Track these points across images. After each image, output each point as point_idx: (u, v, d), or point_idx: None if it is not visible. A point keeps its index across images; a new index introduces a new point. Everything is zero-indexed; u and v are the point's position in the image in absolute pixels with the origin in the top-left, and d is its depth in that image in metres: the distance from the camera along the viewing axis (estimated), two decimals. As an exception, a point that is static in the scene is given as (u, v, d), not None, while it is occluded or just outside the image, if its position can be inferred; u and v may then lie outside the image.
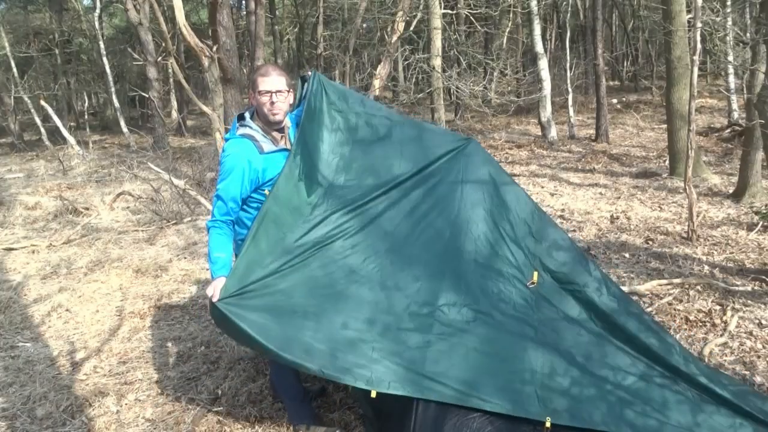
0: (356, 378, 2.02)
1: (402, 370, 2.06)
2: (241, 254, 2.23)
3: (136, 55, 13.86)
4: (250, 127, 2.52)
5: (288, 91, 2.51)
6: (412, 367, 2.07)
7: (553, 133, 11.90)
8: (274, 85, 2.45)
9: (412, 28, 11.72)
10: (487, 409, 2.06)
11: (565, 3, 15.81)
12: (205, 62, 6.07)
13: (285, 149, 2.53)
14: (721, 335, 3.50)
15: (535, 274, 2.45)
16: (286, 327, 2.08)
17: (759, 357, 3.25)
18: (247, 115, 2.58)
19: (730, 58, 10.93)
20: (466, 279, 2.36)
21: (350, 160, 2.54)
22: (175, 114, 20.34)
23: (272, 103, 2.46)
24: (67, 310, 4.60)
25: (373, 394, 2.00)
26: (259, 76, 2.48)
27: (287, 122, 2.60)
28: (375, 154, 2.58)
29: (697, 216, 5.45)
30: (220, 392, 3.19)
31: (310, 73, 2.68)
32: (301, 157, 2.44)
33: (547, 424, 2.03)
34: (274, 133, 2.55)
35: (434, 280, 2.30)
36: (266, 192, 2.41)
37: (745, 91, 9.68)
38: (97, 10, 16.95)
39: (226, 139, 2.55)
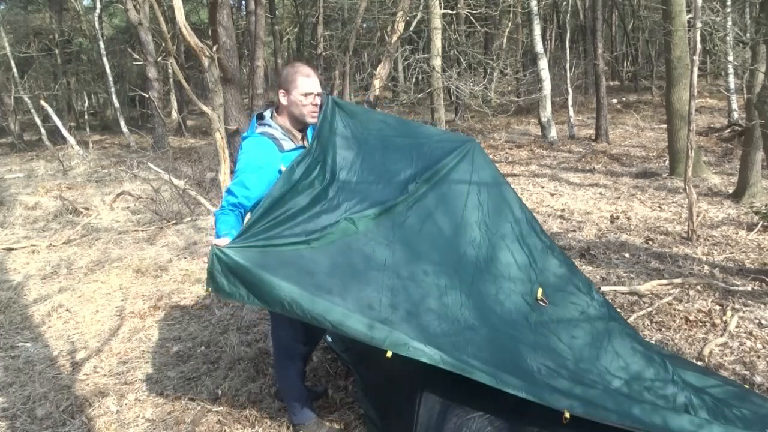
0: (411, 347, 1.99)
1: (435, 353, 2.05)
2: (248, 222, 2.17)
3: (136, 55, 13.86)
4: (270, 126, 2.49)
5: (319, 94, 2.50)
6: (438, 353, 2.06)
7: (553, 133, 11.90)
8: (317, 87, 2.44)
9: (412, 28, 11.73)
10: (521, 395, 2.03)
11: (565, 3, 15.81)
12: (205, 62, 6.06)
13: (304, 147, 2.51)
14: (721, 335, 3.50)
15: (540, 290, 2.46)
16: (313, 296, 2.02)
17: (759, 357, 3.25)
18: (266, 114, 2.55)
19: (730, 58, 10.93)
20: (467, 280, 2.36)
21: (361, 162, 2.55)
22: (175, 114, 20.33)
23: (314, 104, 2.45)
24: (67, 310, 4.60)
25: (389, 354, 1.98)
26: (301, 76, 2.43)
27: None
28: (385, 158, 2.61)
29: (697, 216, 5.45)
30: (220, 392, 3.19)
31: (324, 92, 2.67)
32: (317, 147, 2.44)
33: (566, 414, 2.01)
34: (295, 132, 2.54)
35: (441, 277, 2.30)
36: (282, 167, 2.37)
37: (745, 91, 9.68)
38: (97, 10, 16.94)
39: (244, 138, 2.52)
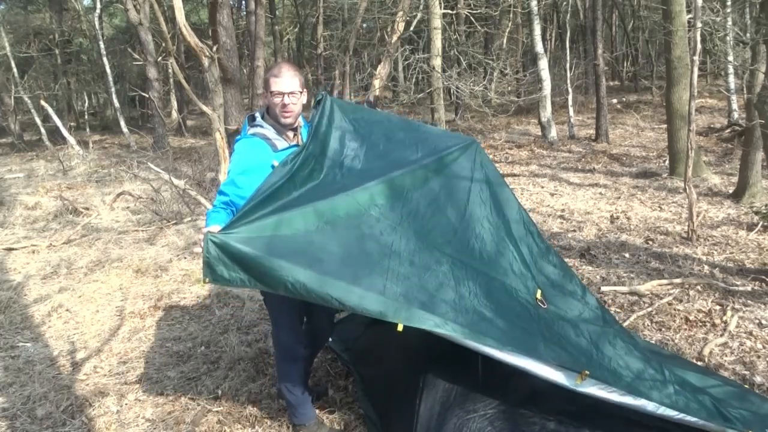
0: (422, 320, 1.98)
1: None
2: (242, 210, 2.08)
3: (136, 55, 13.86)
4: (262, 126, 2.48)
5: (301, 92, 2.47)
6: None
7: (553, 133, 11.90)
8: (287, 87, 2.41)
9: (412, 28, 11.72)
10: (538, 364, 2.07)
11: (565, 3, 15.81)
12: (205, 62, 6.07)
13: (299, 146, 2.47)
14: (721, 335, 3.50)
15: (539, 291, 2.46)
16: (322, 278, 1.96)
17: (759, 357, 3.25)
18: (257, 115, 2.54)
19: (730, 58, 10.93)
20: (475, 272, 2.35)
21: (365, 151, 2.52)
22: (175, 114, 20.34)
23: (284, 104, 2.42)
24: (67, 310, 4.60)
25: (400, 328, 1.94)
26: (271, 77, 2.43)
27: (300, 121, 2.57)
28: (389, 148, 2.59)
29: (697, 216, 5.45)
30: (220, 392, 3.19)
31: (323, 93, 2.63)
32: (314, 143, 2.39)
33: (586, 372, 2.07)
34: (288, 132, 2.52)
35: (454, 267, 2.27)
36: (275, 162, 2.34)
37: (745, 91, 9.68)
38: (97, 10, 16.94)
39: (237, 140, 2.51)
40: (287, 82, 2.42)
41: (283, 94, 2.41)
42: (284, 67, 2.46)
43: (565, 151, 10.90)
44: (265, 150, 2.42)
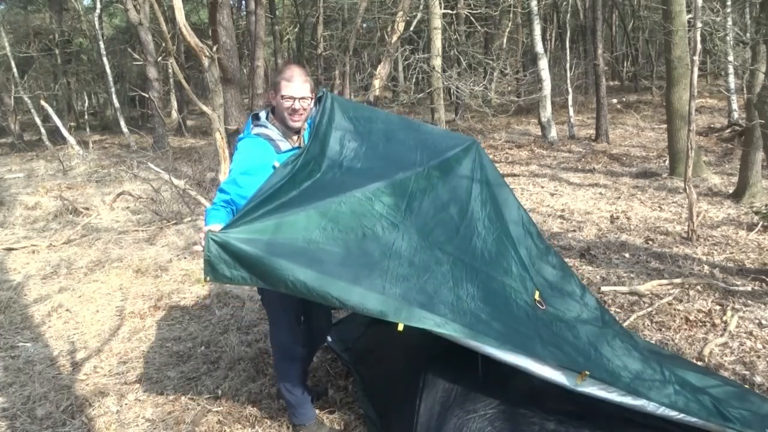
0: (422, 319, 1.99)
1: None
2: (243, 209, 2.08)
3: (136, 55, 13.85)
4: (266, 127, 2.47)
5: (311, 98, 2.46)
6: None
7: (553, 133, 11.90)
8: (299, 92, 2.40)
9: (412, 28, 11.73)
10: (535, 363, 2.08)
11: (565, 3, 15.80)
12: (205, 62, 6.07)
13: (300, 148, 2.47)
14: (721, 335, 3.50)
15: (537, 292, 2.46)
16: (322, 276, 1.96)
17: (759, 357, 3.25)
18: (262, 114, 2.53)
19: (730, 58, 10.93)
20: (474, 273, 2.35)
21: (365, 151, 2.51)
22: (175, 114, 20.34)
23: (294, 109, 2.42)
24: (67, 310, 4.60)
25: (400, 328, 1.95)
26: (283, 80, 2.42)
27: (304, 124, 2.57)
28: (389, 148, 2.58)
29: (697, 216, 5.45)
30: (220, 392, 3.19)
31: (324, 89, 2.62)
32: (314, 143, 2.38)
33: (586, 372, 2.09)
34: (292, 133, 2.52)
35: (453, 267, 2.27)
36: (276, 163, 2.33)
37: (745, 91, 9.68)
38: (97, 10, 16.93)
39: (240, 139, 2.50)
40: (299, 87, 2.41)
41: (294, 98, 2.41)
42: (296, 72, 2.44)
43: (565, 151, 10.90)
44: (268, 151, 2.41)
